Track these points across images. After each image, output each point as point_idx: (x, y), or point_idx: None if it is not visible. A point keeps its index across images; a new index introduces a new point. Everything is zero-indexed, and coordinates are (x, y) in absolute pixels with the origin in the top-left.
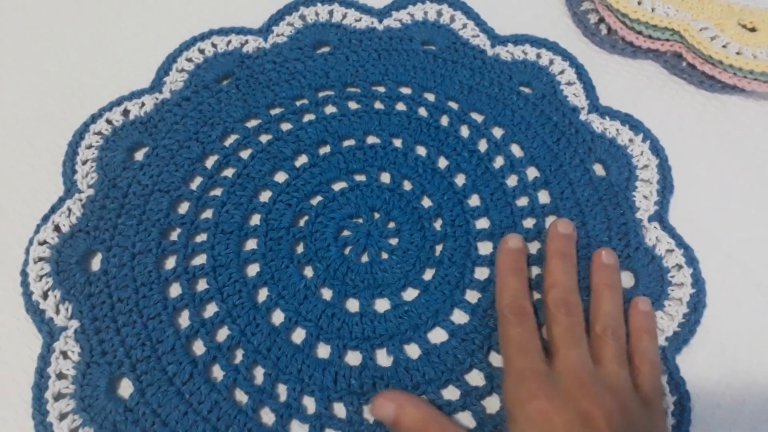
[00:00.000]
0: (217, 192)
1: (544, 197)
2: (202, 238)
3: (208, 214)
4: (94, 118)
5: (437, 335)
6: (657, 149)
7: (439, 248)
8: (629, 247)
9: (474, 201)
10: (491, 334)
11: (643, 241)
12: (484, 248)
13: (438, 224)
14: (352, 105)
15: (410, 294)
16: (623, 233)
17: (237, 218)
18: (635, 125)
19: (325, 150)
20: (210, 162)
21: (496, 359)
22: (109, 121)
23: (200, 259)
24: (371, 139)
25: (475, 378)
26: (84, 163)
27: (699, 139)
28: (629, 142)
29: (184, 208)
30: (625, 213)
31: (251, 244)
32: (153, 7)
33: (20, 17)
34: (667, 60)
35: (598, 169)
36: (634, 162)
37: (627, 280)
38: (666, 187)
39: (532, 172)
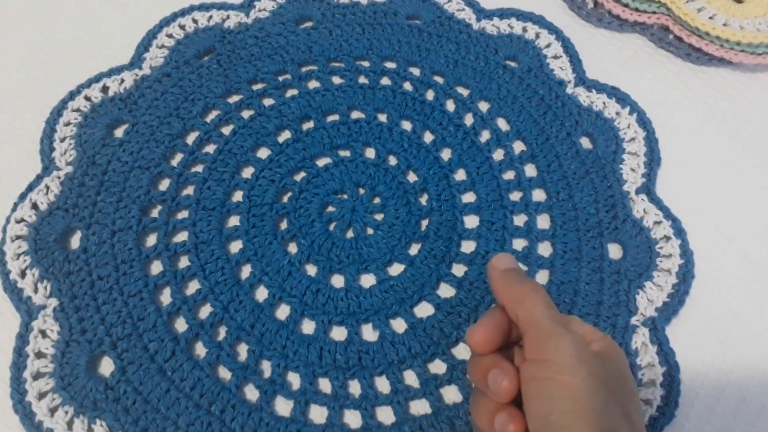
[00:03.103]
0: (199, 168)
1: (530, 171)
2: (183, 215)
3: (189, 190)
4: (72, 95)
5: (423, 309)
6: (644, 122)
7: (424, 223)
8: (617, 219)
9: (460, 175)
10: (477, 306)
11: (630, 213)
12: (471, 222)
13: (424, 199)
14: (336, 80)
15: (396, 269)
16: (611, 205)
17: (219, 195)
18: (622, 98)
19: (308, 125)
20: (191, 138)
21: None
22: (87, 98)
23: (182, 236)
24: (356, 114)
25: (462, 351)
26: (62, 140)
27: (686, 112)
28: (616, 115)
29: (165, 184)
30: (612, 185)
31: (234, 221)
32: None
33: None
34: (653, 33)
35: (585, 143)
36: (621, 135)
37: (615, 251)
38: (653, 159)
39: (518, 146)
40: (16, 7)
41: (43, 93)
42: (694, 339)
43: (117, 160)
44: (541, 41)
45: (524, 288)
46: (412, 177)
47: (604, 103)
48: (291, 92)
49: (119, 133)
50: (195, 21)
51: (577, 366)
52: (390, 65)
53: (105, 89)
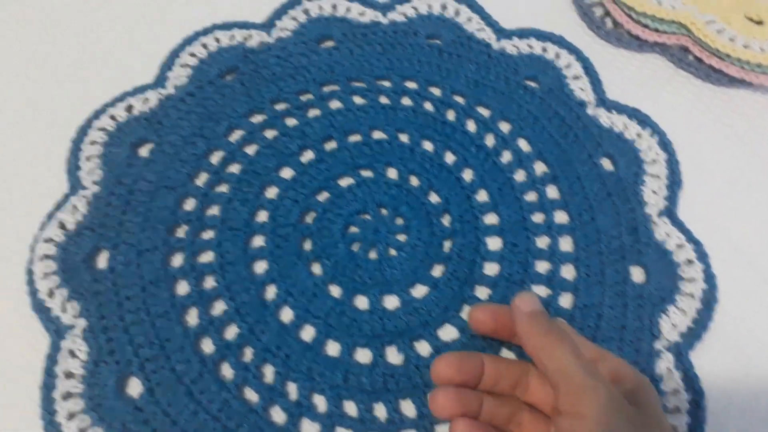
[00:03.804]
0: (224, 188)
1: (552, 192)
2: (209, 235)
3: (214, 210)
4: (97, 114)
5: (447, 332)
6: (665, 144)
7: (447, 244)
8: (639, 242)
9: (482, 196)
10: None
11: (653, 236)
12: (494, 243)
13: (446, 220)
14: (358, 100)
15: (419, 291)
16: (633, 228)
17: (244, 215)
18: (643, 119)
19: (331, 145)
20: (216, 158)
21: (506, 356)
22: (112, 117)
23: (207, 257)
24: (377, 134)
25: None
26: (88, 159)
27: (706, 133)
28: (637, 137)
29: (190, 204)
30: (634, 208)
31: (258, 241)
32: (156, 2)
33: (22, 13)
34: (673, 53)
35: (606, 164)
36: (642, 156)
37: (638, 275)
38: (675, 181)
39: (540, 167)
40: (42, 26)
41: (67, 112)
42: (718, 365)
43: (142, 179)
44: (561, 61)
45: (552, 338)
46: (434, 198)
47: (624, 124)
48: (313, 112)
49: (144, 152)
50: (217, 40)
51: (614, 418)
52: (411, 85)
53: (129, 108)
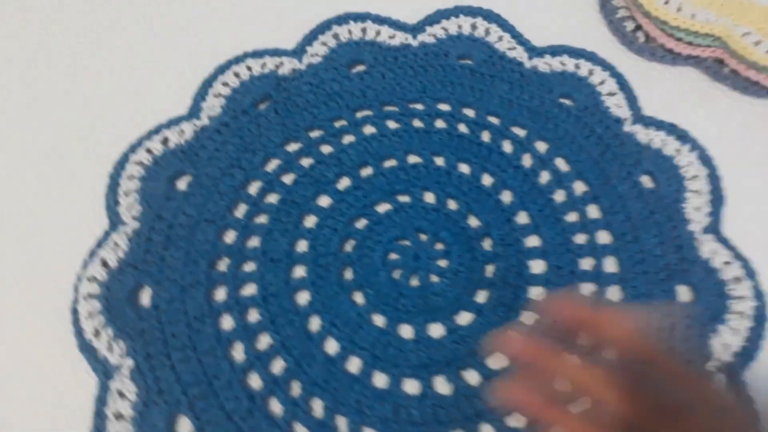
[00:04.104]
0: (263, 219)
1: (593, 212)
2: (250, 267)
3: (255, 242)
4: (133, 148)
5: (496, 360)
6: (705, 159)
7: (490, 268)
8: (685, 260)
9: (522, 218)
10: None
11: (698, 254)
12: (537, 267)
13: (487, 244)
14: (391, 124)
15: (464, 318)
16: (677, 246)
17: (284, 245)
18: (681, 135)
19: (367, 171)
20: (253, 188)
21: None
22: (149, 151)
23: (250, 289)
24: (413, 159)
25: None
26: (126, 194)
27: (746, 147)
28: (676, 153)
29: (230, 237)
30: (677, 226)
31: (300, 272)
32: (185, 32)
33: (56, 49)
34: (708, 66)
35: (646, 182)
36: (683, 173)
37: (685, 294)
38: (717, 197)
39: (579, 187)
40: (75, 62)
41: (103, 147)
42: None
43: (182, 213)
44: (595, 78)
45: None
46: (473, 221)
47: (662, 140)
48: (348, 138)
49: (182, 185)
50: (249, 68)
51: None
52: (444, 107)
53: (165, 141)
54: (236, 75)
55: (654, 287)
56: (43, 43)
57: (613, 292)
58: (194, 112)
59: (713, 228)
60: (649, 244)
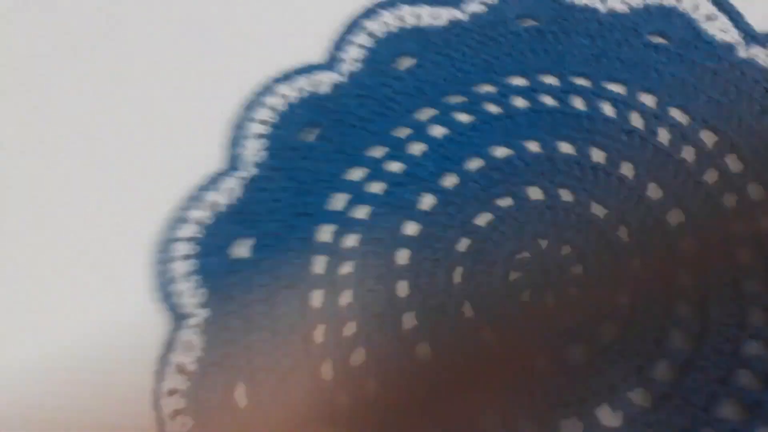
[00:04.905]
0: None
1: (735, 164)
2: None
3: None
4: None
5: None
6: None
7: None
8: None
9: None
10: None
11: None
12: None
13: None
14: (462, 117)
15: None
16: None
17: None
18: None
19: (451, 180)
20: (325, 235)
21: None
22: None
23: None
24: (501, 152)
25: None
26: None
27: None
28: None
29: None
30: None
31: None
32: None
33: None
34: None
35: None
36: None
37: None
38: None
39: (709, 137)
40: None
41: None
42: None
43: None
44: (686, 4)
45: None
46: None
47: None
48: (417, 148)
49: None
50: (284, 96)
51: None
52: (520, 81)
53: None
54: (272, 109)
55: None
56: None
57: None
58: (233, 163)
59: None
60: None
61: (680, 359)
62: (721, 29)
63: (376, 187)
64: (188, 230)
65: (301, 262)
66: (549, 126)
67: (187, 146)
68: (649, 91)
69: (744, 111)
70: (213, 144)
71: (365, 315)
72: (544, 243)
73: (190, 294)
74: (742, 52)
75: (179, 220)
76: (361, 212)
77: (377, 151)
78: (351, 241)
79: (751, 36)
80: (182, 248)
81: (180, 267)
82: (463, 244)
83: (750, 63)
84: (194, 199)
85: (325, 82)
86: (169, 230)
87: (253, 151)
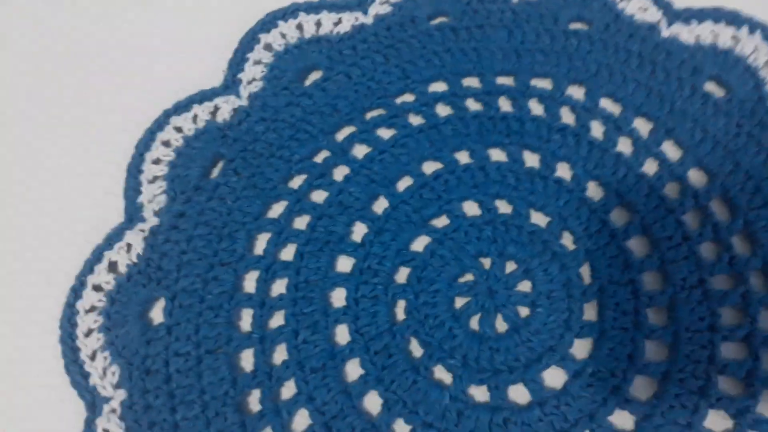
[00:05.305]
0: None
1: (672, 151)
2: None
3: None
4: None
5: None
6: None
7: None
8: None
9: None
10: None
11: None
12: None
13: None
14: (385, 133)
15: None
16: None
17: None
18: (732, 18)
19: (382, 204)
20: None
21: None
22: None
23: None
24: (429, 167)
25: None
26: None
27: None
28: (734, 41)
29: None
30: None
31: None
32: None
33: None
34: None
35: (715, 90)
36: (752, 63)
37: None
38: None
39: (642, 126)
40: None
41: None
42: None
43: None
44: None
45: None
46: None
47: (712, 32)
48: (339, 172)
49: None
50: (195, 119)
51: None
52: (440, 87)
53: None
54: (165, 144)
55: None
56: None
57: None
58: (132, 215)
59: None
60: (756, 164)
61: (657, 373)
62: (641, 7)
63: (300, 222)
64: (90, 299)
65: (224, 320)
66: (476, 133)
67: (84, 200)
68: (576, 82)
69: (675, 94)
70: (112, 193)
71: (304, 372)
72: (487, 262)
73: (100, 374)
74: (665, 31)
75: (79, 288)
76: (287, 253)
77: (295, 181)
78: (279, 287)
79: (671, 13)
80: (86, 321)
81: (86, 343)
82: (402, 275)
83: (673, 41)
84: (93, 261)
85: (223, 107)
86: (68, 302)
87: (150, 197)
